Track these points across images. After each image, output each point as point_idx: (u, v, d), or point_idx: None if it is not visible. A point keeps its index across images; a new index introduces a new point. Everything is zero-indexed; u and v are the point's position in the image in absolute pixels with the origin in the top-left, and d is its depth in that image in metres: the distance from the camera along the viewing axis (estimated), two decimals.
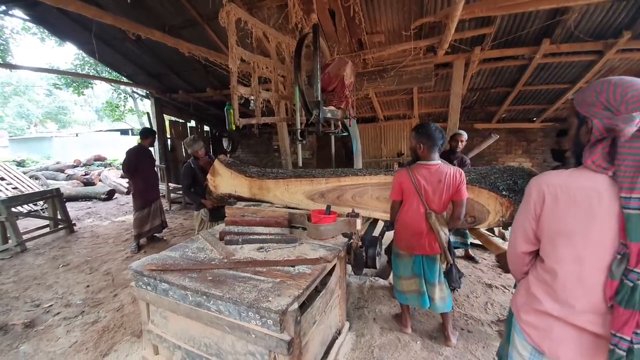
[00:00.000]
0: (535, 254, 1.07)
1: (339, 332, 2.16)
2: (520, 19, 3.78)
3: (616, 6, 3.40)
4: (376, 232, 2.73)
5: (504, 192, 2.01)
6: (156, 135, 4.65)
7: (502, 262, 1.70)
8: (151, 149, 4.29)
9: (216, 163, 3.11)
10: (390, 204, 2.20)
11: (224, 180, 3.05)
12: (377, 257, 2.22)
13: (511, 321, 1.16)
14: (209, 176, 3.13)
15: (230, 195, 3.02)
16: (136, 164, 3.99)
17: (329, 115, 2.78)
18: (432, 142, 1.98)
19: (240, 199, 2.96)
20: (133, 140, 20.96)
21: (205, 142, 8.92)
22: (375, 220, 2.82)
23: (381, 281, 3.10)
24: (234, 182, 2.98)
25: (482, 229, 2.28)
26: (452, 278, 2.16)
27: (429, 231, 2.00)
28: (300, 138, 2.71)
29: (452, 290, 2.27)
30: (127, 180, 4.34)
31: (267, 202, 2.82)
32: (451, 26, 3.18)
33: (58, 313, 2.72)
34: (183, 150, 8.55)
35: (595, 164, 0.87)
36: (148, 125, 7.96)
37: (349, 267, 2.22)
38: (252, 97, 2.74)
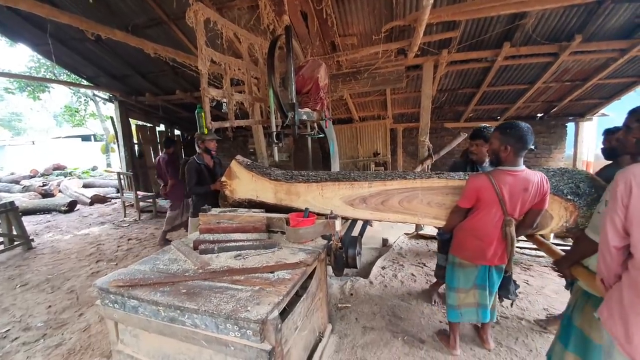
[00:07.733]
0: (628, 253, 1.03)
1: (321, 335, 2.14)
2: (483, 24, 3.97)
3: (568, 12, 3.67)
4: (355, 232, 2.74)
5: (568, 196, 1.92)
6: (174, 143, 5.28)
7: (562, 267, 1.64)
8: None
9: (233, 164, 2.75)
10: (454, 209, 2.01)
11: (243, 184, 2.72)
12: (357, 257, 2.22)
13: (568, 327, 1.24)
14: (224, 179, 2.78)
15: (251, 201, 2.69)
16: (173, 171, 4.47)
17: (304, 117, 2.76)
18: (522, 145, 1.74)
19: (263, 205, 2.64)
20: (96, 147, 19.67)
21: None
22: (355, 221, 2.82)
23: (362, 280, 3.13)
24: (256, 186, 2.67)
25: (542, 234, 2.17)
26: (510, 289, 2.07)
27: (501, 240, 1.86)
28: (276, 140, 2.67)
29: (502, 300, 2.23)
30: (165, 182, 4.81)
31: (295, 209, 2.52)
32: (420, 30, 3.28)
33: (16, 338, 2.49)
34: (152, 156, 8.18)
35: None
36: (112, 130, 7.53)
37: (330, 268, 2.21)
38: (225, 100, 2.67)
